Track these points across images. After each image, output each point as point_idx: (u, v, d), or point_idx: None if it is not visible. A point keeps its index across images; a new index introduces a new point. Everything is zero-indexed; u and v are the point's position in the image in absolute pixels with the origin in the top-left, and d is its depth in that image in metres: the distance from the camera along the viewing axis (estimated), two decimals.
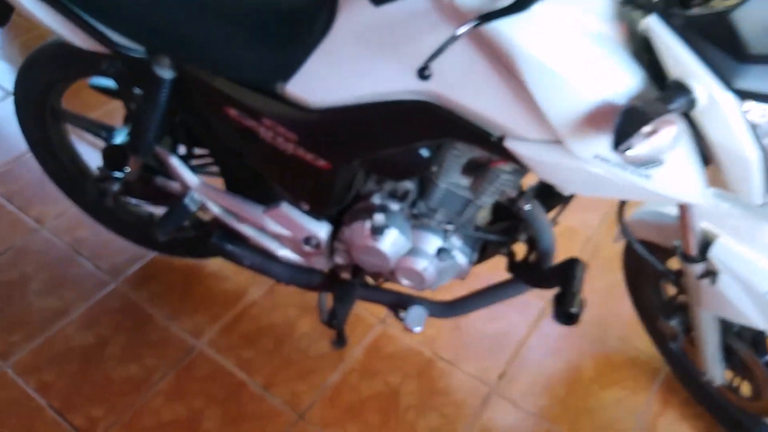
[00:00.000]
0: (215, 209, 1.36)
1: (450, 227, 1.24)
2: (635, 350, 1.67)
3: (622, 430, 1.52)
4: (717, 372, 1.29)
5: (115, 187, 1.50)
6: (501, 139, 0.97)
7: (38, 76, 1.45)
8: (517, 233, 1.24)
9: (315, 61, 1.06)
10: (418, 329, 1.30)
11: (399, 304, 1.37)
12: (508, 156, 0.99)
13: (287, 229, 1.32)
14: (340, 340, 1.63)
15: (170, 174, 1.42)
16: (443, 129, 1.02)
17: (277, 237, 1.35)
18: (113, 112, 2.26)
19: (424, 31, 0.93)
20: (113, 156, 1.50)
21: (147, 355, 1.60)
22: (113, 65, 1.17)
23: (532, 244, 1.26)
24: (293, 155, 1.18)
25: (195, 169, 1.44)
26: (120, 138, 1.50)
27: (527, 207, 1.18)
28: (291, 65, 1.07)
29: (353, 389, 1.57)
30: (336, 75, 1.04)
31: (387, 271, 1.30)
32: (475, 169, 1.16)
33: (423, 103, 1.00)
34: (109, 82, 1.43)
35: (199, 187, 1.35)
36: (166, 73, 1.18)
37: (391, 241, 1.24)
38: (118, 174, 1.50)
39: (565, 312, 1.08)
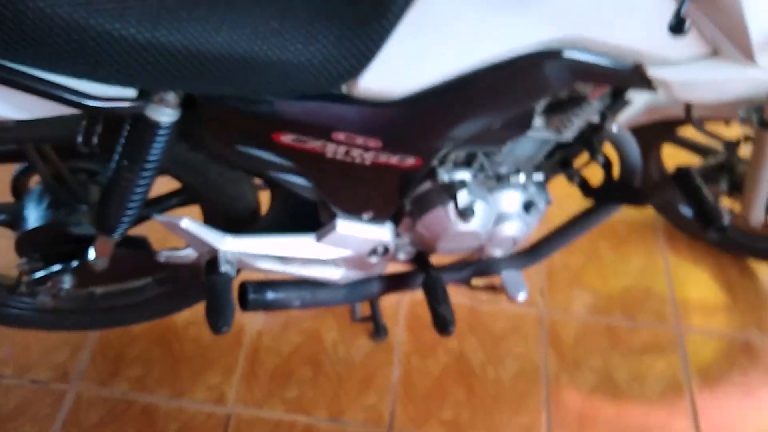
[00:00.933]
0: (261, 264, 1.02)
1: (525, 177, 1.09)
2: (629, 214, 1.73)
3: (660, 294, 1.58)
4: (759, 216, 1.37)
5: (66, 283, 1.06)
6: (638, 68, 0.85)
7: None
8: (594, 156, 1.13)
9: (400, 38, 0.78)
10: (523, 296, 1.16)
11: (481, 272, 1.21)
12: (640, 83, 0.87)
13: (348, 248, 1.06)
14: (379, 330, 1.45)
15: (184, 241, 1.02)
16: (572, 75, 0.85)
17: (331, 261, 1.08)
18: None
19: None
20: (38, 245, 1.04)
21: None
22: (90, 131, 0.74)
23: (608, 164, 1.16)
24: (372, 165, 0.90)
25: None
26: (34, 216, 1.04)
27: (615, 129, 1.06)
28: (365, 54, 0.78)
29: (423, 374, 1.41)
30: (434, 48, 0.80)
31: (476, 248, 1.12)
32: (557, 106, 1.01)
33: (552, 53, 0.82)
34: None
35: (232, 244, 0.98)
36: (165, 114, 0.79)
37: (481, 218, 1.06)
38: (60, 266, 1.05)
39: (718, 227, 1.02)
